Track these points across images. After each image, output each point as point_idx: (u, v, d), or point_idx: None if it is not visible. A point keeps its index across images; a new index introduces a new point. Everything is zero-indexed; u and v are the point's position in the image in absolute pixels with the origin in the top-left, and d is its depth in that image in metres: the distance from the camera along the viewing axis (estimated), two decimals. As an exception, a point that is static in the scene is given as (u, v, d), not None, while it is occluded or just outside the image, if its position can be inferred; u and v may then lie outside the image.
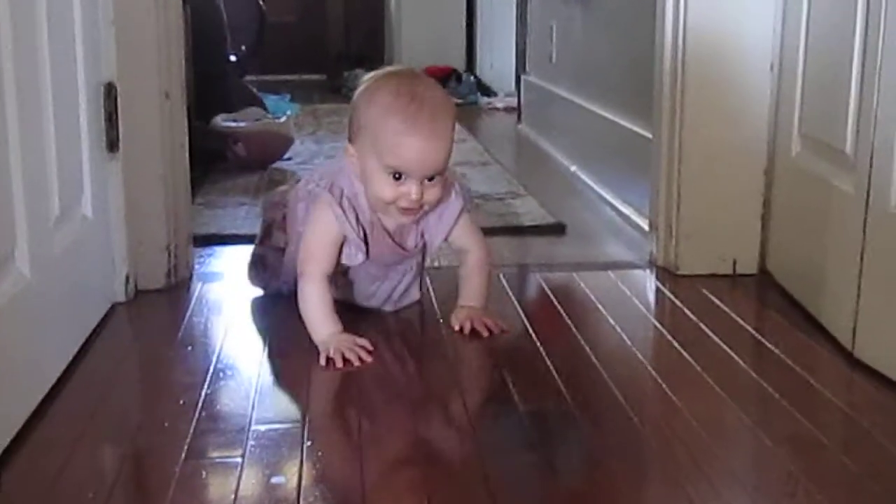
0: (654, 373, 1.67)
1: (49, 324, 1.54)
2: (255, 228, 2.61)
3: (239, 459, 1.34)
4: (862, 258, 1.67)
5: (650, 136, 2.37)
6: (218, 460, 1.35)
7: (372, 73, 1.70)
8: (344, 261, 1.73)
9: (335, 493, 1.30)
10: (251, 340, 1.86)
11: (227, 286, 2.16)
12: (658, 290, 2.15)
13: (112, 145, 1.90)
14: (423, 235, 1.78)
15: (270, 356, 1.76)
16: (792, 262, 2.05)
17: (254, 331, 1.92)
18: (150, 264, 2.03)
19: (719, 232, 2.18)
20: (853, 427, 1.48)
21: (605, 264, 2.35)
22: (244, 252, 2.41)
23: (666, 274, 2.21)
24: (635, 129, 2.69)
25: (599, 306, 2.03)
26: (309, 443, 1.40)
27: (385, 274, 1.83)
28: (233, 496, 1.25)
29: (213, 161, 3.16)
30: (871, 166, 1.64)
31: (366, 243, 1.71)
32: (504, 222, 2.73)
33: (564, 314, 2.00)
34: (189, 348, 1.79)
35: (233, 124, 3.33)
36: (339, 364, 1.58)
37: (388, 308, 1.89)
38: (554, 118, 3.66)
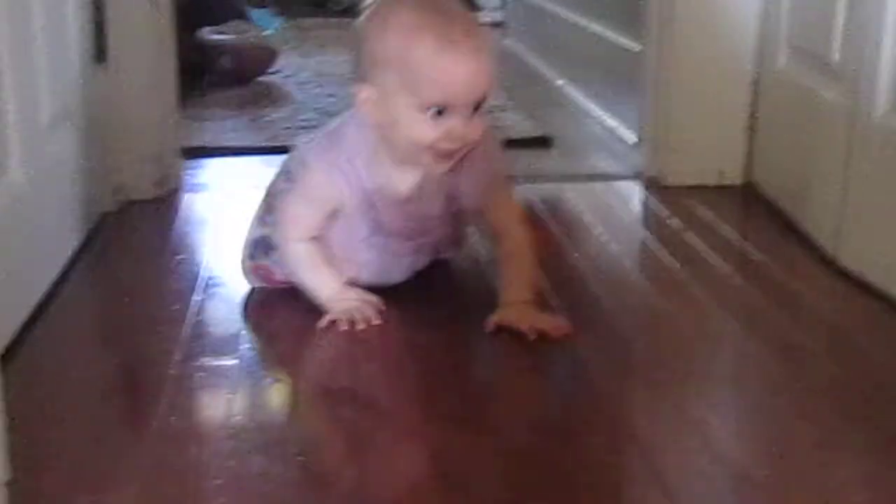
0: (639, 277, 1.71)
1: (42, 231, 1.55)
2: (242, 141, 2.64)
3: (232, 363, 1.36)
4: (847, 168, 1.69)
5: (638, 49, 2.38)
6: (211, 365, 1.36)
7: None
8: (343, 235, 1.45)
9: (329, 394, 1.34)
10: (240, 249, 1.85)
11: (215, 197, 2.16)
12: (645, 201, 2.16)
13: (99, 57, 1.90)
14: (453, 196, 1.44)
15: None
16: (777, 172, 2.07)
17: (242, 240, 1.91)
18: (139, 175, 2.03)
19: (706, 144, 2.19)
20: (836, 332, 1.51)
21: (592, 176, 2.35)
22: (231, 164, 2.44)
23: (653, 185, 2.22)
24: (623, 42, 2.68)
25: (586, 217, 2.05)
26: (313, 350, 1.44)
27: (410, 250, 1.50)
28: (227, 396, 1.27)
29: (200, 75, 3.14)
30: (858, 77, 1.66)
31: (375, 212, 1.42)
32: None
33: (552, 224, 2.01)
34: (179, 257, 1.79)
35: (219, 37, 3.31)
36: (344, 326, 1.36)
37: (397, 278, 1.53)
38: (540, 32, 3.65)
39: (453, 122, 1.28)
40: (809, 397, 1.29)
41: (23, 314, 1.44)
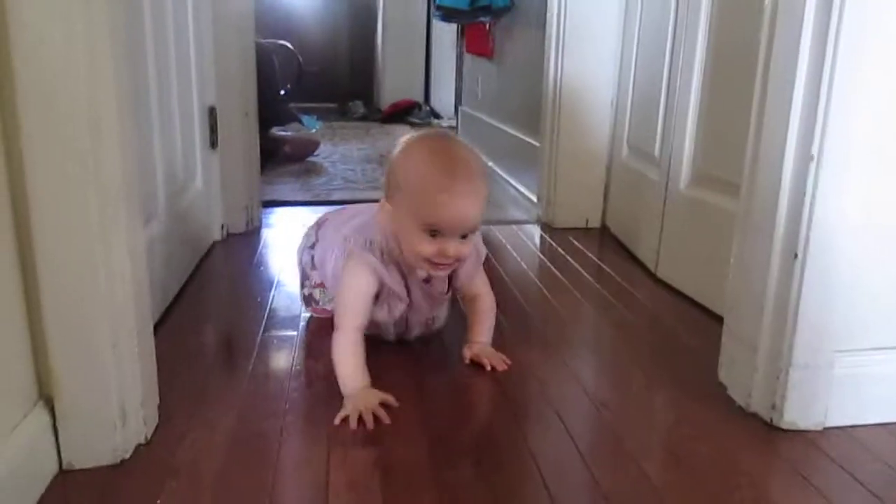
0: (538, 283, 1.67)
1: (176, 253, 1.53)
2: (297, 196, 2.61)
3: (294, 334, 1.34)
4: (662, 218, 1.68)
5: (538, 144, 2.34)
6: (281, 335, 1.34)
7: (407, 136, 1.13)
8: (383, 316, 1.20)
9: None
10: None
11: (281, 232, 2.09)
12: (542, 237, 2.12)
13: (213, 145, 1.87)
14: (450, 282, 1.23)
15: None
16: (621, 221, 2.04)
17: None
18: (235, 218, 1.99)
19: (578, 202, 2.15)
20: (654, 317, 1.49)
21: (510, 221, 2.28)
22: (290, 211, 2.38)
23: (546, 227, 2.18)
24: (528, 139, 2.62)
25: (507, 246, 2.01)
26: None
27: (416, 319, 1.25)
28: (293, 356, 1.25)
29: (271, 156, 3.11)
30: (669, 164, 1.65)
31: (408, 293, 1.18)
32: None
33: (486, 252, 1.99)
34: (261, 268, 1.75)
35: (283, 133, 3.28)
36: (353, 426, 1.00)
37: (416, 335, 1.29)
38: (478, 133, 3.64)
39: (445, 243, 1.05)
40: (638, 356, 1.29)
41: (168, 299, 1.43)
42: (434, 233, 1.05)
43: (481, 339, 1.24)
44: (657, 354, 1.30)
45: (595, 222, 2.16)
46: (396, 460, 0.93)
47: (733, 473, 0.93)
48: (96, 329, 0.86)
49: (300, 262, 1.40)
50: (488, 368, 1.18)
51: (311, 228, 1.42)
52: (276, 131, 3.26)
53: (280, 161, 3.20)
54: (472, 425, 1.07)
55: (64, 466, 0.88)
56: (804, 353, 1.00)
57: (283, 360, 1.24)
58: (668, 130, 1.67)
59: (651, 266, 1.73)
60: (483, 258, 1.24)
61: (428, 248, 1.06)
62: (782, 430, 1.02)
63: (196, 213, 1.72)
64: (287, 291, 1.57)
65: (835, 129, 0.93)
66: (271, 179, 2.82)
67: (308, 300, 1.39)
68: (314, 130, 3.59)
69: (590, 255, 1.90)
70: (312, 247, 1.37)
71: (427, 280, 1.18)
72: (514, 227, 2.22)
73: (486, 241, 2.03)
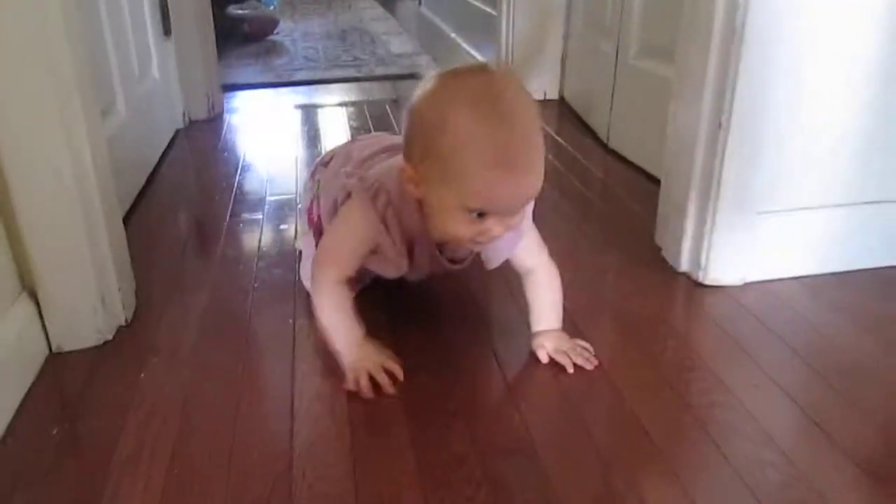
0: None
1: (140, 143, 1.56)
2: (258, 78, 2.60)
3: (260, 217, 1.39)
4: (613, 89, 1.73)
5: (495, 13, 2.31)
6: (248, 218, 1.39)
7: (435, 74, 0.80)
8: (375, 269, 0.96)
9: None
10: (264, 148, 1.84)
11: (245, 116, 2.12)
12: None
13: (167, 32, 1.85)
14: (479, 253, 0.95)
15: (276, 157, 1.76)
16: (577, 92, 2.07)
17: (265, 142, 1.89)
18: (197, 104, 2.00)
19: (536, 76, 2.16)
20: (605, 187, 1.56)
21: None
22: (252, 94, 2.39)
23: None
24: (488, 9, 2.62)
25: None
26: (299, 205, 1.41)
27: (426, 275, 1.00)
28: (259, 237, 1.31)
29: (229, 37, 3.07)
30: (619, 35, 1.68)
31: (410, 258, 0.92)
32: (410, 71, 2.68)
33: None
34: (225, 154, 1.78)
35: (240, 12, 3.22)
36: (368, 395, 0.85)
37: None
38: (442, 4, 3.58)
39: (491, 223, 0.80)
40: (589, 223, 1.36)
41: (136, 189, 1.47)
42: (480, 214, 0.79)
43: (547, 327, 0.96)
44: (604, 221, 1.38)
45: (553, 94, 2.19)
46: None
47: (661, 327, 1.03)
48: (68, 220, 0.92)
49: (310, 219, 1.09)
50: (571, 370, 0.91)
51: (316, 167, 1.13)
52: (234, 10, 3.20)
53: (239, 41, 3.16)
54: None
55: (53, 349, 0.96)
56: (726, 215, 1.09)
57: (250, 242, 1.30)
58: (618, 1, 1.68)
59: (603, 136, 1.79)
60: (529, 227, 0.93)
61: (468, 229, 0.81)
62: (707, 286, 1.12)
63: (155, 102, 1.74)
64: (252, 175, 1.62)
65: (758, 7, 0.98)
66: (231, 62, 2.80)
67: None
68: (273, 7, 3.51)
69: (546, 128, 1.94)
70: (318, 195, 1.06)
71: (441, 247, 0.93)
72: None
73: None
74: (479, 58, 2.71)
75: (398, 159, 0.87)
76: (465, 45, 3.00)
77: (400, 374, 0.88)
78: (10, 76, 0.84)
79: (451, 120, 0.75)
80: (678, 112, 1.14)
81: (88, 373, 0.93)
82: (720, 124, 1.05)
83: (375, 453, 0.78)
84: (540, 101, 2.16)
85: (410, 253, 0.92)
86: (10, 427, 0.83)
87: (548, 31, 2.13)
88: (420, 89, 0.80)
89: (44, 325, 0.95)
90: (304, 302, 1.07)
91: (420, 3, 4.19)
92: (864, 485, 0.74)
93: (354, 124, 2.02)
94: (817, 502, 0.72)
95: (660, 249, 1.22)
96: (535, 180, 0.78)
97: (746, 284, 1.12)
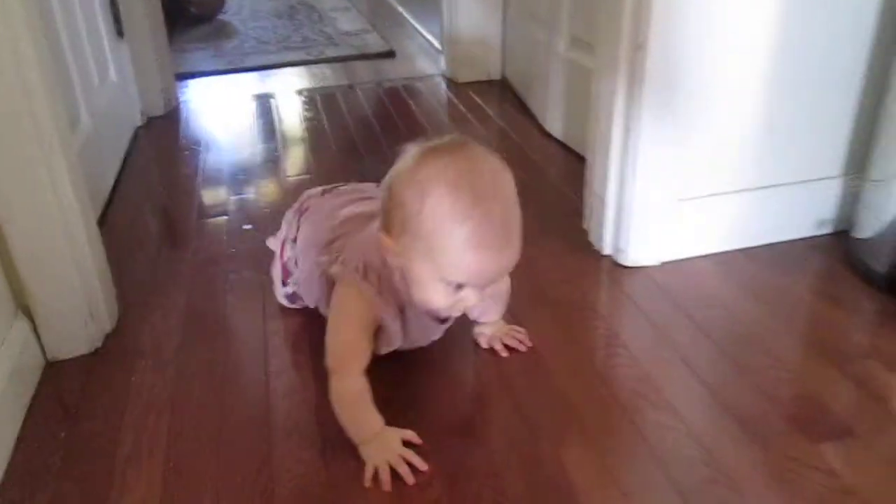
0: (443, 128, 1.83)
1: (105, 148, 1.63)
2: (210, 66, 2.64)
3: (226, 217, 1.49)
4: (548, 77, 1.83)
5: None
6: (215, 218, 1.50)
7: (415, 149, 0.82)
8: (379, 350, 0.94)
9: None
10: (223, 144, 1.92)
11: (200, 107, 2.19)
12: (446, 91, 2.25)
13: (120, 34, 1.91)
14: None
15: (235, 153, 1.85)
16: (517, 75, 2.17)
17: (223, 137, 1.97)
18: (153, 102, 2.06)
19: (479, 56, 2.26)
20: (541, 170, 1.68)
21: (417, 77, 2.39)
22: (207, 81, 2.47)
23: (451, 83, 2.30)
24: None
25: (409, 101, 2.15)
26: (266, 209, 1.55)
27: (424, 339, 1.01)
28: (225, 237, 1.42)
29: (177, 18, 3.05)
30: (553, 26, 1.78)
31: (403, 323, 0.93)
32: (360, 51, 2.73)
33: (392, 108, 2.10)
34: (186, 151, 1.86)
35: None
36: (387, 487, 0.84)
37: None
38: None
39: (468, 293, 0.83)
40: (525, 208, 1.48)
41: (105, 195, 1.55)
42: (460, 285, 0.82)
43: (487, 319, 1.06)
44: (540, 205, 1.49)
45: (496, 75, 2.29)
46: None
47: (585, 307, 1.18)
48: (54, 242, 1.03)
49: (280, 257, 1.15)
50: (504, 354, 1.03)
51: (292, 213, 1.15)
52: None
53: (188, 22, 3.16)
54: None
55: (49, 359, 1.08)
56: (643, 202, 1.23)
57: (218, 243, 1.41)
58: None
59: (541, 119, 1.91)
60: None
61: (445, 300, 0.83)
62: (628, 267, 1.27)
63: (115, 105, 1.81)
64: (214, 173, 1.72)
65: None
66: (182, 46, 2.83)
67: (293, 298, 1.15)
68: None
69: (488, 110, 2.06)
70: (295, 240, 1.10)
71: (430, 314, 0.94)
72: (419, 83, 2.34)
73: (395, 98, 2.20)
74: (426, 35, 2.80)
75: (373, 229, 0.88)
76: (412, 21, 3.08)
77: (422, 465, 0.85)
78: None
79: (429, 202, 0.77)
80: (598, 106, 1.27)
81: (84, 379, 1.05)
82: (630, 127, 1.19)
83: (343, 435, 0.92)
84: (483, 83, 2.27)
85: (405, 325, 0.93)
86: (22, 432, 0.96)
87: (489, 13, 2.22)
88: (399, 164, 0.82)
89: (39, 339, 1.07)
90: (273, 303, 1.19)
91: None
92: (736, 432, 0.91)
93: (309, 114, 2.11)
94: (705, 457, 0.88)
95: (587, 233, 1.36)
96: (513, 254, 0.81)
97: (663, 264, 1.28)
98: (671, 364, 1.04)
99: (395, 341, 0.93)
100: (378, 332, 0.92)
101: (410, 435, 0.89)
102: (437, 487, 0.85)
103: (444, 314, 0.91)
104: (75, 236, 1.06)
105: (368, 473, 0.85)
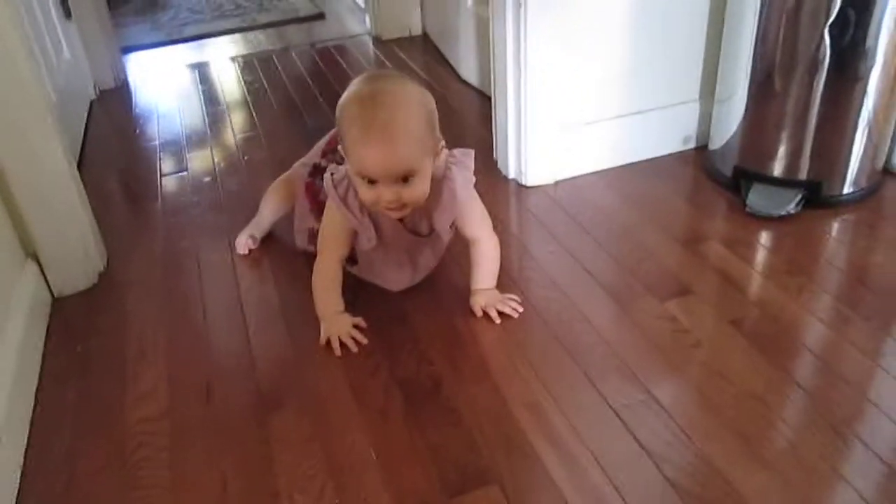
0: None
1: (69, 123, 1.81)
2: (151, 38, 2.81)
3: (185, 172, 1.71)
4: (458, 30, 2.06)
5: None
6: (176, 176, 1.71)
7: (354, 80, 1.03)
8: (359, 246, 1.17)
9: (240, 179, 1.69)
10: (172, 109, 2.11)
11: (147, 79, 2.37)
12: (373, 49, 2.46)
13: (68, 15, 2.08)
14: (430, 221, 1.15)
15: (185, 116, 2.04)
16: (435, 29, 2.38)
17: (172, 103, 2.16)
18: (104, 76, 2.25)
19: (401, 15, 2.46)
20: (459, 114, 1.91)
21: (346, 37, 2.59)
22: (149, 54, 2.64)
23: (377, 40, 2.51)
24: None
25: (340, 60, 2.36)
26: (221, 164, 1.77)
27: (410, 259, 1.21)
28: (188, 189, 1.63)
29: None
30: None
31: (376, 229, 1.13)
32: (290, 16, 2.91)
33: (325, 68, 2.31)
34: (140, 119, 2.05)
35: None
36: (337, 353, 1.11)
37: (408, 284, 1.25)
38: None
39: (381, 190, 1.01)
40: (448, 139, 1.73)
41: (74, 163, 1.75)
42: (371, 180, 1.01)
43: (482, 286, 1.19)
44: (458, 142, 1.64)
45: (417, 31, 2.51)
46: (283, 256, 1.40)
47: (496, 225, 1.40)
48: (56, 194, 1.26)
49: (306, 192, 1.30)
50: (497, 321, 1.16)
51: (313, 153, 1.33)
52: None
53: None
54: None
55: (56, 296, 1.31)
56: (535, 131, 1.50)
57: (183, 195, 1.63)
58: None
59: (457, 69, 2.15)
60: (465, 200, 1.13)
61: (367, 194, 1.03)
62: (529, 187, 1.55)
63: (72, 81, 1.99)
64: (168, 138, 1.93)
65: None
66: (119, 21, 2.94)
67: (312, 236, 1.28)
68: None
69: (412, 64, 2.29)
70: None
71: (403, 223, 1.14)
72: (349, 41, 2.55)
73: (327, 58, 2.43)
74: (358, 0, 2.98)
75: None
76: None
77: (363, 340, 1.12)
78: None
79: (345, 111, 1.00)
80: (495, 52, 1.52)
81: (87, 308, 1.29)
82: (521, 69, 1.45)
83: (304, 316, 1.17)
84: (406, 39, 2.49)
85: (378, 229, 1.13)
86: (45, 350, 1.19)
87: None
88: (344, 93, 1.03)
89: (46, 279, 1.30)
90: (239, 253, 1.43)
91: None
92: (607, 300, 1.20)
93: (248, 78, 2.32)
94: (581, 319, 1.16)
95: (496, 162, 1.63)
96: (392, 155, 0.97)
97: (557, 182, 1.55)
98: (561, 259, 1.32)
99: (368, 240, 1.13)
100: (356, 233, 1.14)
101: (358, 320, 1.16)
102: (377, 356, 1.12)
103: (386, 213, 1.07)
104: (69, 190, 1.28)
105: (322, 340, 1.13)
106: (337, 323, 1.15)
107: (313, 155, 1.31)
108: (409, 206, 1.05)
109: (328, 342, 1.13)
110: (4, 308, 1.13)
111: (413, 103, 1.01)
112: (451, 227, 1.18)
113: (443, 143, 1.08)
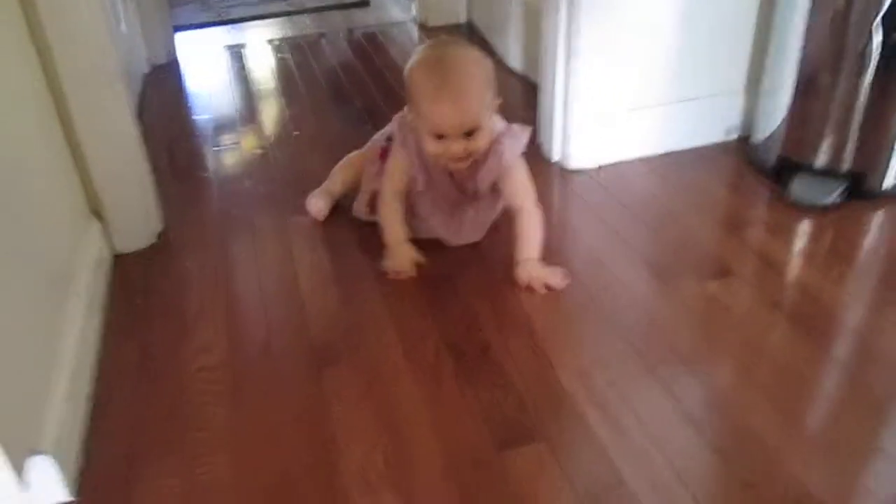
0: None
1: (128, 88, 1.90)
2: (201, 18, 2.87)
3: (237, 142, 1.77)
4: (508, 19, 2.10)
5: None
6: (228, 145, 1.77)
7: (419, 47, 1.20)
8: (414, 188, 1.29)
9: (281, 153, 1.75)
10: (222, 84, 2.17)
11: (197, 56, 2.43)
12: (418, 35, 2.50)
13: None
14: (475, 180, 1.27)
15: (235, 91, 2.10)
16: (482, 18, 2.42)
17: (221, 79, 2.21)
18: (157, 52, 2.31)
19: (447, 3, 2.50)
20: (505, 99, 1.94)
21: (391, 23, 2.63)
22: (199, 34, 2.70)
23: (423, 27, 2.55)
24: None
25: (385, 45, 2.40)
26: (272, 139, 1.83)
27: (454, 213, 1.31)
28: (240, 158, 1.70)
29: None
30: None
31: (427, 175, 1.26)
32: (336, 1, 2.93)
33: (372, 52, 2.36)
34: (191, 93, 2.12)
35: None
36: (394, 276, 1.25)
37: (451, 241, 1.34)
38: None
39: (449, 143, 1.15)
40: None
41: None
42: (440, 136, 1.15)
43: (526, 257, 1.23)
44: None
45: (462, 19, 2.55)
46: (336, 226, 1.45)
47: (542, 205, 1.45)
48: (120, 157, 1.31)
49: (380, 156, 1.38)
50: (542, 292, 1.20)
51: (388, 127, 1.39)
52: None
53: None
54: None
55: (117, 252, 1.37)
56: (581, 116, 1.54)
57: (234, 166, 1.69)
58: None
59: (503, 56, 2.19)
60: (509, 162, 1.23)
61: (435, 148, 1.17)
62: (572, 170, 1.58)
63: (129, 54, 2.05)
64: (218, 112, 1.98)
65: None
66: (171, 0, 3.03)
67: (372, 199, 1.37)
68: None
69: (457, 49, 2.32)
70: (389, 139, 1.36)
71: (450, 173, 1.27)
72: (395, 28, 2.59)
73: (373, 43, 2.47)
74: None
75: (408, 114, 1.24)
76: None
77: (422, 261, 1.26)
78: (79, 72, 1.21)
79: (413, 75, 1.16)
80: (545, 40, 1.56)
81: (147, 265, 1.35)
82: (570, 56, 1.49)
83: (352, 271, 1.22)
84: (451, 26, 2.53)
85: (429, 176, 1.26)
86: (106, 302, 1.25)
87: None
88: (410, 59, 1.18)
89: (109, 236, 1.36)
90: (290, 206, 1.48)
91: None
92: (650, 277, 1.23)
93: (297, 59, 2.36)
94: (624, 293, 1.20)
95: (541, 145, 1.67)
96: (462, 111, 1.12)
97: (601, 167, 1.59)
98: (605, 237, 1.36)
99: (419, 181, 1.27)
100: (412, 177, 1.28)
101: (419, 257, 1.27)
102: (428, 320, 1.16)
103: (450, 165, 1.22)
104: (135, 152, 1.34)
105: (387, 268, 1.27)
106: (399, 254, 1.27)
107: (388, 129, 1.37)
108: (472, 157, 1.19)
109: (388, 267, 1.26)
110: (72, 260, 1.19)
111: (475, 65, 1.16)
112: (493, 190, 1.28)
113: (499, 100, 1.20)
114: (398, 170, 1.28)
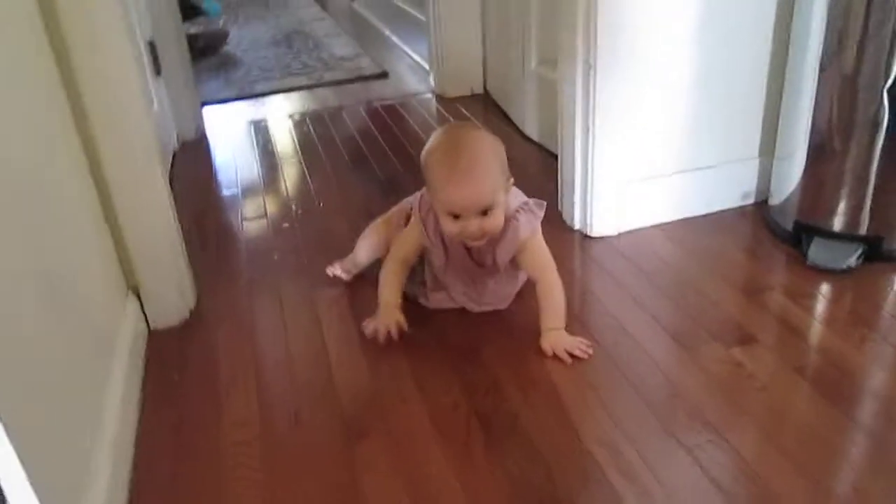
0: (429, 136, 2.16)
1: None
2: (225, 94, 2.97)
3: (265, 219, 1.82)
4: (523, 89, 2.17)
5: (424, 19, 2.73)
6: (256, 220, 1.82)
7: (435, 132, 1.26)
8: (431, 264, 1.36)
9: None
10: (248, 159, 2.24)
11: (223, 131, 2.51)
12: (437, 106, 2.57)
13: (158, 72, 2.24)
14: (493, 255, 1.30)
15: (262, 166, 2.18)
16: (497, 89, 2.49)
17: (248, 154, 2.29)
18: (186, 128, 2.40)
19: (463, 74, 2.59)
20: (522, 167, 1.97)
21: (410, 94, 2.71)
22: (224, 108, 2.80)
23: (440, 98, 2.63)
24: (417, 14, 3.00)
25: (405, 115, 2.47)
26: (300, 212, 1.90)
27: (473, 285, 1.36)
28: (269, 233, 1.74)
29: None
30: (522, 47, 2.13)
31: (445, 251, 1.31)
32: (355, 74, 3.04)
33: (392, 123, 2.43)
34: (219, 169, 2.19)
35: (196, 31, 3.49)
36: (381, 340, 1.29)
37: (474, 308, 1.39)
38: (376, 4, 3.84)
39: (465, 223, 1.20)
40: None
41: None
42: (456, 215, 1.20)
43: (552, 326, 1.27)
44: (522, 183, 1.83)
45: (479, 89, 2.63)
46: (364, 297, 1.49)
47: (562, 269, 1.47)
48: (157, 236, 1.37)
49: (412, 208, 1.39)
50: (569, 362, 1.23)
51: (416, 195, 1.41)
52: (188, 29, 3.48)
53: (195, 55, 3.44)
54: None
55: (152, 328, 1.42)
56: (601, 185, 1.58)
57: (263, 239, 1.74)
58: (520, 17, 2.14)
59: (520, 126, 2.25)
60: (526, 237, 1.28)
61: (452, 227, 1.21)
62: (593, 237, 1.62)
63: (161, 132, 2.12)
64: (245, 185, 2.05)
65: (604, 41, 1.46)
66: (197, 77, 3.14)
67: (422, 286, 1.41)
68: (221, 21, 3.84)
69: (475, 120, 2.40)
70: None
71: (468, 248, 1.31)
72: (414, 99, 2.67)
73: (393, 115, 2.55)
74: (413, 56, 3.14)
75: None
76: (399, 44, 3.42)
77: (405, 328, 1.29)
78: (118, 145, 1.28)
79: (429, 159, 1.22)
80: (563, 112, 1.62)
81: (181, 341, 1.39)
82: (588, 127, 1.54)
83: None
84: (468, 97, 2.61)
85: (447, 252, 1.32)
86: (144, 379, 1.29)
87: (469, 36, 2.56)
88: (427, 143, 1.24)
89: (144, 313, 1.40)
90: (316, 276, 1.53)
91: (356, 3, 4.51)
92: (672, 345, 1.26)
93: (319, 131, 2.44)
94: (648, 361, 1.23)
95: (561, 213, 1.71)
96: (475, 192, 1.17)
97: (620, 234, 1.63)
98: (627, 304, 1.39)
99: (438, 258, 1.33)
100: (427, 249, 1.34)
101: (403, 323, 1.30)
102: (455, 392, 1.19)
103: (458, 240, 1.26)
104: (170, 232, 1.40)
105: (370, 327, 1.32)
106: (385, 315, 1.31)
107: (412, 198, 1.41)
108: (488, 235, 1.23)
109: (371, 328, 1.31)
110: (113, 337, 1.23)
111: (488, 148, 1.22)
112: (512, 264, 1.32)
113: (511, 180, 1.26)
114: (412, 239, 1.34)
